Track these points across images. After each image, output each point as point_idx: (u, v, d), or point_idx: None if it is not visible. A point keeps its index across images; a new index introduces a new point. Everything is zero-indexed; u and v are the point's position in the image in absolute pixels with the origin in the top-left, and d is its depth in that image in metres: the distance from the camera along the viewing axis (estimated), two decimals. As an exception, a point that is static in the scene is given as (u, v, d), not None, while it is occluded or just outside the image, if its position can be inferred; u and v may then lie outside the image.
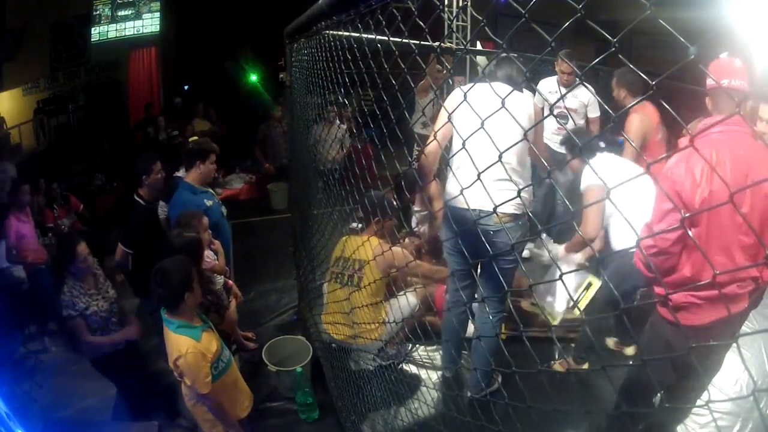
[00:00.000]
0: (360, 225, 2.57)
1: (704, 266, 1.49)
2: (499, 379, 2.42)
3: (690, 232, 1.50)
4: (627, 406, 1.85)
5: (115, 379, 2.45)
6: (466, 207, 1.86)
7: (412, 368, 2.76)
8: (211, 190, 2.83)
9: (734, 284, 1.51)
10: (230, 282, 2.69)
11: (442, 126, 1.93)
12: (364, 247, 2.24)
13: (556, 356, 2.62)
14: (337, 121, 4.21)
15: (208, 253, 2.49)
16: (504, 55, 2.06)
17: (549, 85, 3.41)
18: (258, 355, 2.62)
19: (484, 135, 1.68)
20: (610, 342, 2.79)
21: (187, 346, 1.70)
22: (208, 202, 2.70)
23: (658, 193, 1.66)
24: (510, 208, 1.95)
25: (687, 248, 1.51)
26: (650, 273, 1.62)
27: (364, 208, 2.37)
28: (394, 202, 2.54)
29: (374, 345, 2.51)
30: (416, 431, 2.23)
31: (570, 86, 3.20)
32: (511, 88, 1.93)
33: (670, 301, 1.59)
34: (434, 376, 2.70)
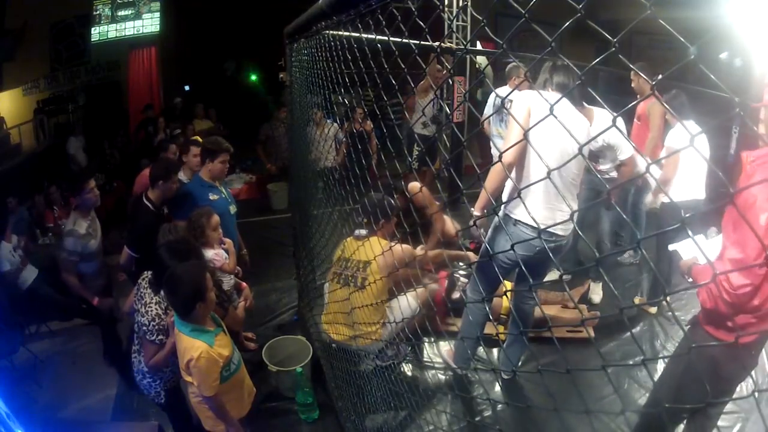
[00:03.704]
0: (365, 232, 2.56)
1: None
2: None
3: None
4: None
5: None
6: (534, 224, 1.95)
7: (412, 368, 2.76)
8: (221, 187, 2.84)
9: None
10: (243, 284, 2.68)
11: (521, 133, 2.00)
12: (365, 247, 2.25)
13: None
14: (328, 121, 4.22)
15: (219, 252, 2.49)
16: (560, 62, 2.10)
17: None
18: (258, 355, 2.62)
19: (552, 150, 1.67)
20: (637, 299, 3.33)
21: (201, 350, 1.68)
22: (213, 197, 2.72)
23: (750, 227, 1.43)
24: (569, 223, 2.05)
25: (764, 280, 1.42)
26: (729, 309, 1.49)
27: (365, 212, 2.37)
28: (394, 203, 2.53)
29: (374, 346, 2.51)
30: (416, 431, 2.24)
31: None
32: (570, 105, 2.01)
33: (730, 323, 1.51)
34: (433, 375, 2.70)
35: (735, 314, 1.48)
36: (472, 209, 2.13)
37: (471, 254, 3.07)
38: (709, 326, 1.60)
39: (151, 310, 1.89)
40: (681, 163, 2.78)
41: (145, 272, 2.03)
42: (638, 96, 3.39)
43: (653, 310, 3.18)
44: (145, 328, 1.89)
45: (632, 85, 3.46)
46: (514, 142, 2.01)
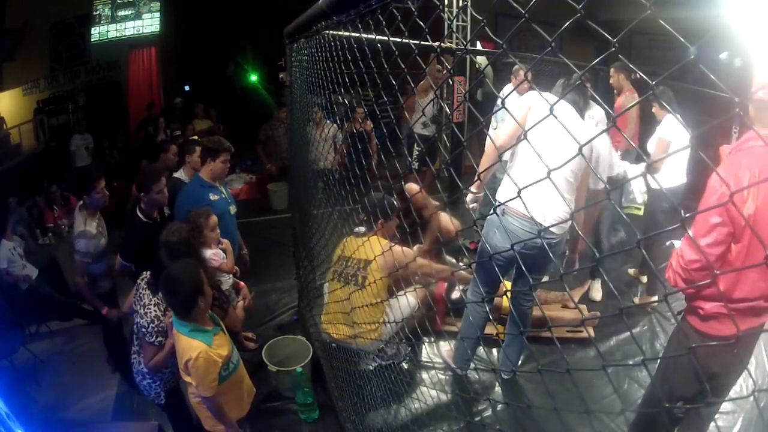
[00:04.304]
0: (363, 229, 2.56)
1: (738, 282, 1.47)
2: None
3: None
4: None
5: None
6: (529, 218, 1.99)
7: (412, 368, 2.76)
8: (220, 187, 2.84)
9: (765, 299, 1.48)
10: (241, 284, 2.68)
11: (516, 127, 2.09)
12: (365, 246, 2.25)
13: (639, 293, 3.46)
14: (327, 121, 4.23)
15: (216, 252, 2.49)
16: (572, 81, 2.17)
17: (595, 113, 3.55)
18: (258, 355, 2.62)
19: (548, 146, 1.74)
20: (631, 271, 3.67)
21: (199, 350, 1.68)
22: (213, 197, 2.72)
23: (703, 205, 1.54)
24: (566, 222, 2.07)
25: (724, 263, 1.48)
26: (689, 288, 1.57)
27: (366, 211, 2.37)
28: (395, 203, 2.53)
29: (374, 345, 2.51)
30: (416, 431, 2.23)
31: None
32: (577, 115, 2.06)
33: (701, 310, 1.55)
34: (433, 375, 2.70)
35: (697, 296, 1.55)
36: (470, 188, 2.26)
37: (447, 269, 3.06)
38: (688, 314, 1.63)
39: (150, 312, 1.89)
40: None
41: (144, 272, 2.03)
42: (615, 92, 3.72)
43: (654, 299, 3.26)
44: (144, 329, 1.89)
45: (611, 81, 3.65)
46: (508, 130, 2.13)
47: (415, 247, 2.64)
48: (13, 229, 4.02)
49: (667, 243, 2.08)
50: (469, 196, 2.27)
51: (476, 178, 2.24)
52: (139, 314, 1.92)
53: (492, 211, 2.14)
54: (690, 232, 1.50)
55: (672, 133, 2.95)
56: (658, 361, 1.98)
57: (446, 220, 3.03)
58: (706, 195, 1.48)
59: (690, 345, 1.59)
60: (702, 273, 1.48)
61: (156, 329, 1.88)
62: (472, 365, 2.53)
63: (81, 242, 2.57)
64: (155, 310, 1.89)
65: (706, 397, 1.67)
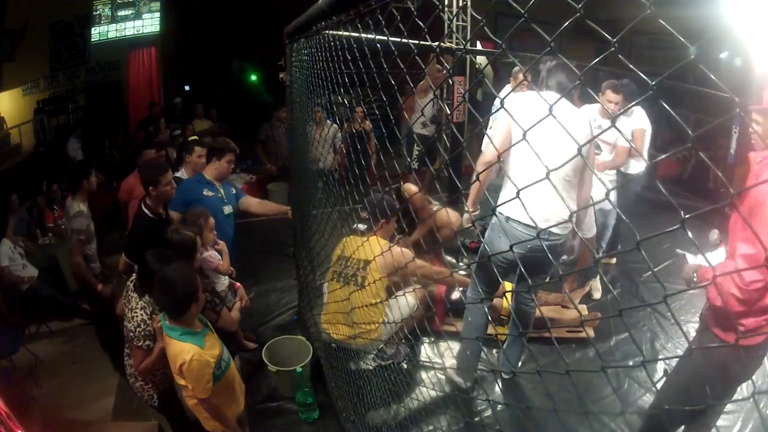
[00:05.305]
0: (365, 227, 2.56)
1: None
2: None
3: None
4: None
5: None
6: (529, 222, 1.97)
7: (411, 368, 2.76)
8: (219, 186, 2.84)
9: None
10: (237, 284, 2.69)
11: (503, 135, 2.06)
12: (365, 246, 2.25)
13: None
14: (328, 121, 4.23)
15: (212, 253, 2.49)
16: (555, 61, 2.07)
17: (589, 114, 3.39)
18: (258, 355, 2.62)
19: (544, 147, 1.74)
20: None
21: (192, 353, 1.68)
22: (207, 193, 2.71)
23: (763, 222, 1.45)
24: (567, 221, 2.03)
25: None
26: (740, 306, 1.49)
27: (368, 209, 2.37)
28: (395, 203, 2.53)
29: (374, 345, 2.51)
30: (416, 431, 2.24)
31: (612, 117, 3.16)
32: (568, 103, 1.99)
33: (742, 326, 1.51)
34: (432, 375, 2.70)
35: (745, 312, 1.48)
36: (466, 206, 2.22)
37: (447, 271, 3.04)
38: (718, 329, 1.58)
39: (137, 316, 1.88)
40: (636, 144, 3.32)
41: (133, 274, 2.03)
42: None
43: (613, 261, 3.68)
44: (131, 333, 1.88)
45: None
46: (497, 140, 2.09)
47: (412, 237, 2.64)
48: (15, 230, 4.03)
49: (679, 252, 2.06)
50: (466, 216, 2.25)
51: (470, 193, 2.21)
52: (127, 317, 1.92)
53: (490, 212, 2.14)
54: (743, 251, 1.45)
55: (644, 123, 3.22)
56: (669, 374, 1.95)
57: (442, 213, 3.02)
58: (763, 212, 1.39)
59: (725, 360, 1.56)
60: (762, 291, 1.44)
61: (143, 333, 1.87)
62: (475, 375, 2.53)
63: (78, 221, 2.86)
64: (141, 314, 1.88)
65: (722, 400, 1.66)
